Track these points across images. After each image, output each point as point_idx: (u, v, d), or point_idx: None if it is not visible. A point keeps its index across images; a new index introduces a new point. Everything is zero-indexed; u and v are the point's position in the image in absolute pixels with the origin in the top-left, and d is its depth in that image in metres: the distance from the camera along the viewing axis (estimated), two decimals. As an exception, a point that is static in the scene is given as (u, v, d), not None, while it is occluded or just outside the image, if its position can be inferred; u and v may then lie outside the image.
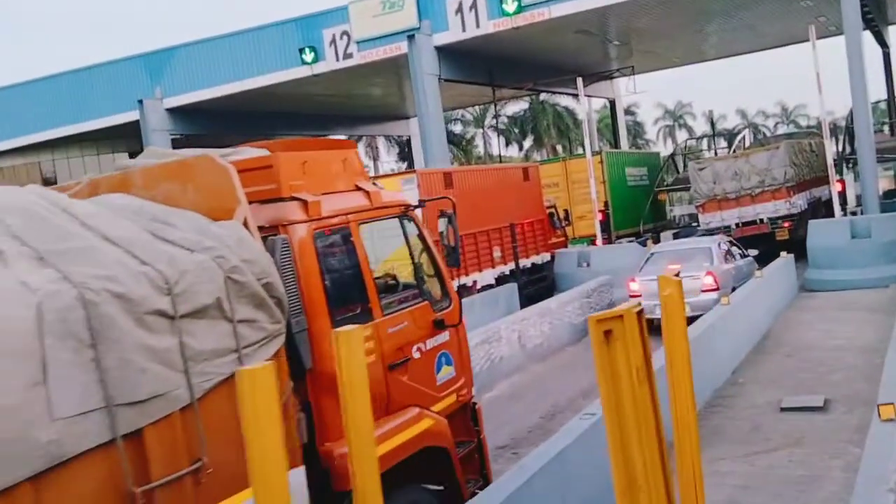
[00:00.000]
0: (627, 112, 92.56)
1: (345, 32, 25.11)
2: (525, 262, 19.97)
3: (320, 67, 25.74)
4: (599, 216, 21.05)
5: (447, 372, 6.13)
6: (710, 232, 21.14)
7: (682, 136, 74.22)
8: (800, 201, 21.07)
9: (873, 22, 28.28)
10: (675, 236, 23.29)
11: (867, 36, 30.94)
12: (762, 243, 19.23)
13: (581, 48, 28.84)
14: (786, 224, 20.22)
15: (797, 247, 17.66)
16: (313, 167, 5.47)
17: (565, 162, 25.39)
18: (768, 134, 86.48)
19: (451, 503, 5.78)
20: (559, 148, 63.86)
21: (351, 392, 3.29)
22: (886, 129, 32.40)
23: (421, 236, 6.15)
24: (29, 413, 3.32)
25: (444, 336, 6.13)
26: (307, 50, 25.49)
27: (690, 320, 11.00)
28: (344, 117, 35.71)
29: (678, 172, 30.81)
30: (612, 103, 37.31)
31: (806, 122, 66.38)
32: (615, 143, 37.38)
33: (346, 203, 5.57)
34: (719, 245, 15.44)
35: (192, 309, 4.04)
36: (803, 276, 17.15)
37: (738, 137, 29.59)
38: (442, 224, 6.43)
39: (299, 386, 4.85)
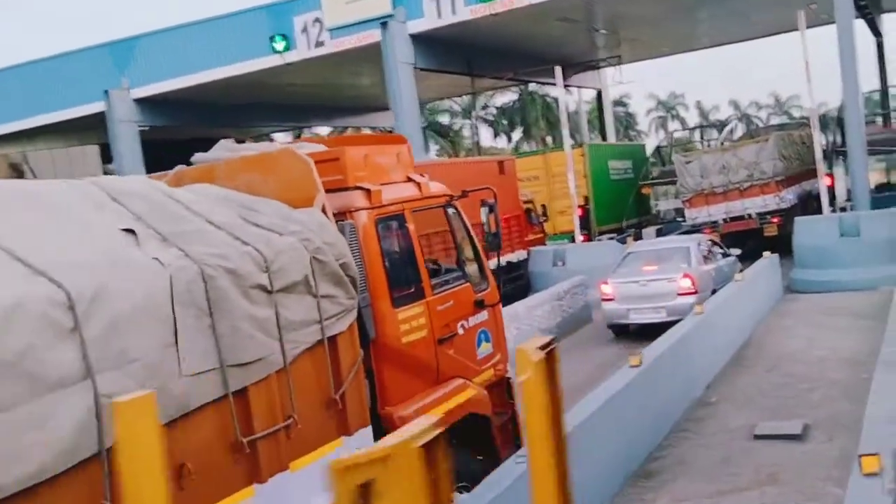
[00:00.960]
0: (618, 103, 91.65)
1: (317, 19, 24.07)
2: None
3: (292, 56, 24.68)
4: (578, 212, 20.08)
5: (486, 348, 6.69)
6: (696, 228, 20.58)
7: (674, 127, 73.35)
8: (789, 196, 20.41)
9: (867, 9, 27.35)
10: (659, 232, 22.42)
11: (860, 24, 30.10)
12: (750, 239, 18.81)
13: (565, 37, 27.83)
14: (774, 219, 19.60)
15: (786, 243, 17.03)
16: (373, 160, 6.03)
17: (545, 155, 24.49)
18: (761, 125, 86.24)
19: (491, 467, 5.97)
20: (549, 140, 62.81)
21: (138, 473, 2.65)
22: (879, 120, 31.51)
23: (463, 223, 6.69)
24: (166, 369, 3.85)
25: (484, 315, 6.68)
26: (277, 38, 24.43)
27: (666, 326, 10.30)
28: (323, 108, 34.62)
29: (664, 165, 29.89)
30: (600, 94, 36.27)
31: (799, 114, 65.45)
32: (603, 136, 36.43)
33: (400, 193, 6.11)
34: (699, 244, 14.52)
35: (285, 284, 4.59)
36: (789, 275, 16.28)
37: (727, 129, 28.55)
38: (483, 213, 6.91)
39: (364, 355, 5.35)
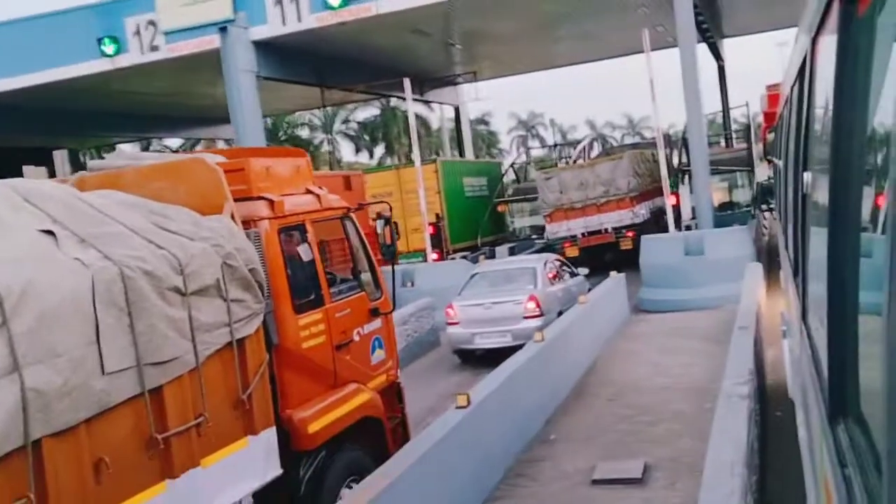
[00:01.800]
0: (480, 121, 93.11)
1: (151, 22, 22.30)
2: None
3: (123, 61, 22.78)
4: (429, 229, 19.30)
5: (379, 354, 6.99)
6: (550, 245, 20.92)
7: (534, 145, 74.74)
8: (642, 211, 20.87)
9: (709, 34, 28.28)
10: (512, 251, 21.98)
11: (703, 49, 31.21)
12: (609, 252, 19.91)
13: (419, 50, 27.24)
14: (629, 233, 20.00)
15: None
16: (275, 171, 6.23)
17: (398, 170, 23.63)
18: (615, 144, 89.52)
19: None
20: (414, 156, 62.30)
21: None
22: (722, 141, 32.74)
23: (358, 235, 6.99)
24: (89, 365, 4.03)
25: (377, 323, 7.00)
26: (107, 41, 22.48)
27: (511, 350, 9.50)
28: (171, 118, 32.29)
29: (519, 183, 29.78)
30: (457, 110, 35.95)
31: (650, 134, 68.29)
32: (461, 152, 36.09)
33: (301, 203, 6.32)
34: (545, 265, 13.97)
35: (198, 287, 4.77)
36: (637, 295, 16.07)
37: (579, 147, 28.70)
38: (379, 225, 7.41)
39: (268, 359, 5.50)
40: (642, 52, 24.31)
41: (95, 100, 26.57)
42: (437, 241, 20.00)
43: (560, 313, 12.22)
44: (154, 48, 22.47)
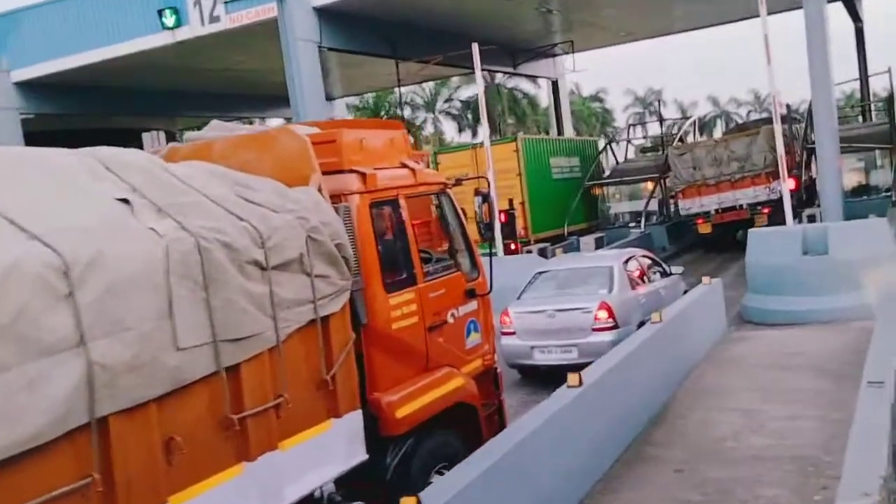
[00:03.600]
0: (595, 98, 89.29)
1: (210, -10, 20.74)
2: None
3: (183, 33, 21.36)
4: (500, 217, 16.83)
5: (475, 338, 6.61)
6: (682, 222, 21.56)
7: (653, 124, 70.52)
8: (779, 187, 18.82)
9: (845, -10, 24.38)
10: (599, 243, 19.27)
11: (838, 7, 27.12)
12: (740, 229, 19.33)
13: (511, 17, 24.64)
14: (765, 210, 19.70)
15: None
16: (368, 144, 5.93)
17: (475, 150, 21.19)
18: (740, 121, 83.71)
19: None
20: (482, 132, 59.52)
21: None
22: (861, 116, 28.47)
23: (455, 212, 6.62)
24: (160, 340, 3.82)
25: (473, 305, 6.59)
26: (168, 12, 21.06)
27: (577, 368, 7.29)
28: (255, 97, 30.85)
29: (617, 162, 26.72)
30: (555, 84, 33.03)
31: (781, 110, 62.66)
32: (559, 129, 33.23)
33: (395, 177, 6.00)
34: (626, 262, 11.44)
35: (280, 261, 4.61)
36: (741, 301, 13.14)
37: (686, 124, 25.79)
38: (476, 202, 6.83)
39: (355, 339, 5.25)
40: (771, 13, 21.27)
41: (174, 77, 25.52)
42: (510, 230, 17.49)
43: (641, 324, 9.85)
44: (215, 19, 20.94)
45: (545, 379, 9.78)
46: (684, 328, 9.60)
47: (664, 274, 12.33)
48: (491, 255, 6.97)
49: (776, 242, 12.66)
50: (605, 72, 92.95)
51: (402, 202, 5.96)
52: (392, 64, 24.78)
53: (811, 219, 15.86)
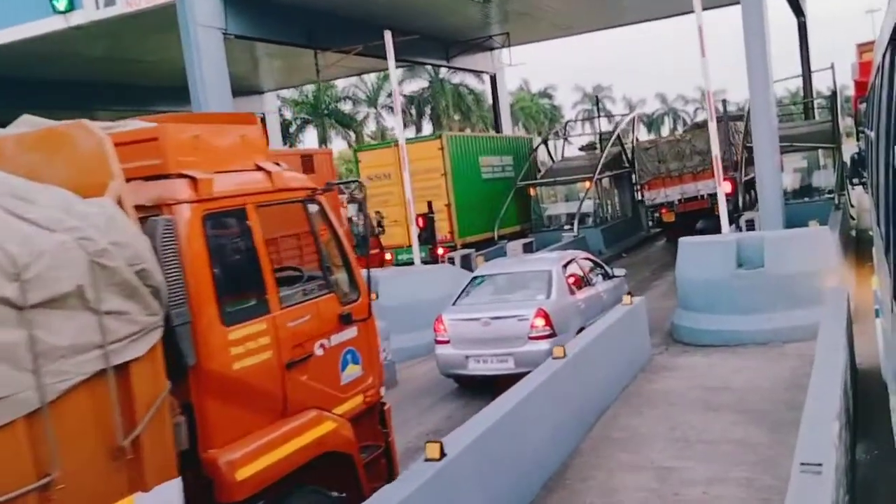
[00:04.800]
0: (544, 94, 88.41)
1: (105, -29, 18.86)
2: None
3: (77, 18, 19.43)
4: (418, 222, 15.32)
5: (354, 371, 5.71)
6: (648, 210, 23.28)
7: (603, 122, 69.77)
8: (748, 172, 19.69)
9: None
10: (528, 248, 17.89)
11: (782, 3, 26.21)
12: (701, 219, 19.95)
13: (442, 6, 23.18)
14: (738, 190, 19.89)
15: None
16: (206, 142, 4.97)
17: (397, 147, 19.64)
18: (688, 120, 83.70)
19: None
20: (468, 131, 58.16)
21: None
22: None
23: (328, 222, 5.70)
24: None
25: (352, 332, 5.68)
26: (58, -6, 19.13)
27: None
28: (155, 90, 28.79)
29: (553, 161, 25.44)
30: (493, 78, 31.65)
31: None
32: (496, 127, 31.87)
33: (243, 183, 5.08)
34: (566, 266, 10.79)
35: (46, 297, 3.69)
36: (671, 318, 11.87)
37: (624, 122, 24.95)
38: (352, 210, 6.62)
39: (179, 385, 4.40)
40: (718, 6, 20.43)
41: (82, 68, 23.55)
42: (429, 235, 16.03)
43: (581, 329, 9.58)
44: (110, 2, 19.03)
45: (482, 389, 9.53)
46: (595, 362, 8.21)
47: (606, 276, 11.83)
48: (368, 267, 6.05)
49: (708, 254, 11.39)
50: (557, 69, 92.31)
51: (251, 213, 4.99)
52: (325, 56, 23.29)
53: (750, 224, 14.67)
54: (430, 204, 16.22)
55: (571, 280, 10.66)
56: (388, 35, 15.03)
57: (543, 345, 9.21)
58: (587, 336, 8.40)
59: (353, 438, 5.45)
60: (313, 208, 5.60)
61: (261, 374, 4.81)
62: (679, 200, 21.62)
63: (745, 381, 8.65)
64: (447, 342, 10.11)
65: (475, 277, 11.41)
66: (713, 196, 19.53)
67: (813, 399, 5.23)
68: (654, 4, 25.75)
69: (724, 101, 22.51)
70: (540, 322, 9.54)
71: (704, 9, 13.64)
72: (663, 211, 22.31)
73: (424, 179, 19.30)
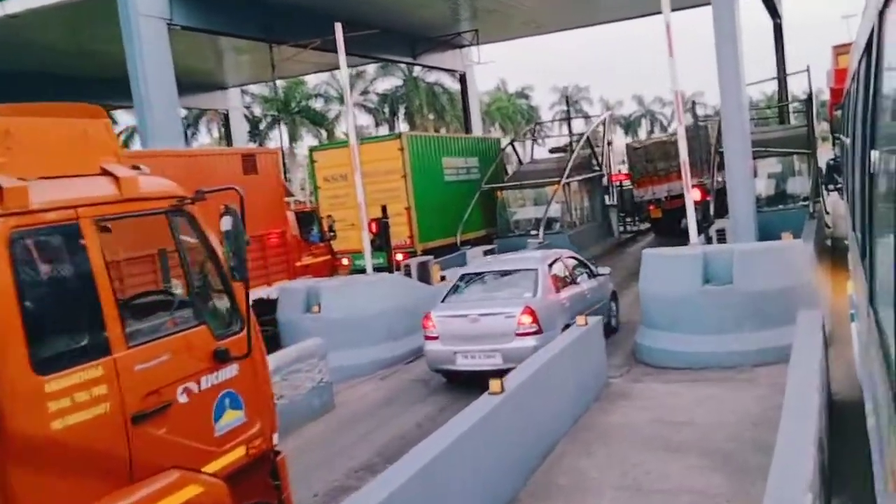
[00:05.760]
0: (521, 95, 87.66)
1: (42, -44, 17.76)
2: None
3: (14, 6, 18.30)
4: (370, 228, 14.34)
5: (233, 417, 4.74)
6: (636, 206, 25.35)
7: (578, 123, 69.05)
8: (720, 178, 18.76)
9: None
10: (488, 254, 16.98)
11: (757, 4, 25.53)
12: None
13: (412, 2, 22.27)
14: (709, 197, 19.58)
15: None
16: (26, 139, 4.06)
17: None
18: (665, 122, 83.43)
19: None
20: (443, 130, 57.20)
21: None
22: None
23: (202, 238, 4.77)
24: None
25: (231, 370, 4.72)
26: (-10, -22, 17.99)
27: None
28: (112, 83, 27.54)
29: (521, 163, 24.58)
30: (462, 77, 30.77)
31: (703, 112, 61.87)
32: (466, 127, 30.96)
33: (76, 191, 4.14)
34: (551, 265, 11.28)
35: None
36: (634, 338, 11.02)
37: (595, 123, 24.40)
38: (225, 223, 4.57)
39: None
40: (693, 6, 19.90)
41: (4, 57, 22.27)
42: (383, 242, 15.07)
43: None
44: (49, -12, 17.93)
45: (469, 384, 9.44)
46: (542, 393, 7.29)
47: (591, 275, 12.23)
48: (247, 292, 4.80)
49: (672, 268, 10.53)
50: (534, 69, 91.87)
51: (87, 229, 4.06)
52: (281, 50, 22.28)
53: (721, 234, 13.86)
54: (384, 208, 15.27)
55: (557, 278, 11.08)
56: (338, 27, 14.02)
57: (530, 341, 9.63)
58: (533, 363, 7.47)
59: (228, 500, 4.54)
60: (180, 221, 4.65)
61: (93, 432, 3.88)
62: (666, 198, 22.89)
63: (709, 414, 7.78)
64: (436, 338, 10.38)
65: (463, 274, 11.78)
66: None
67: (782, 452, 4.39)
68: (626, 4, 25.01)
69: (693, 104, 21.82)
70: (527, 319, 9.90)
71: (677, 9, 12.92)
72: (651, 208, 23.88)
73: (383, 181, 18.38)
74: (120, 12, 16.19)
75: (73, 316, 4.10)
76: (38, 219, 3.88)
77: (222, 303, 4.89)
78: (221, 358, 4.64)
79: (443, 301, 10.94)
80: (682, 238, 11.85)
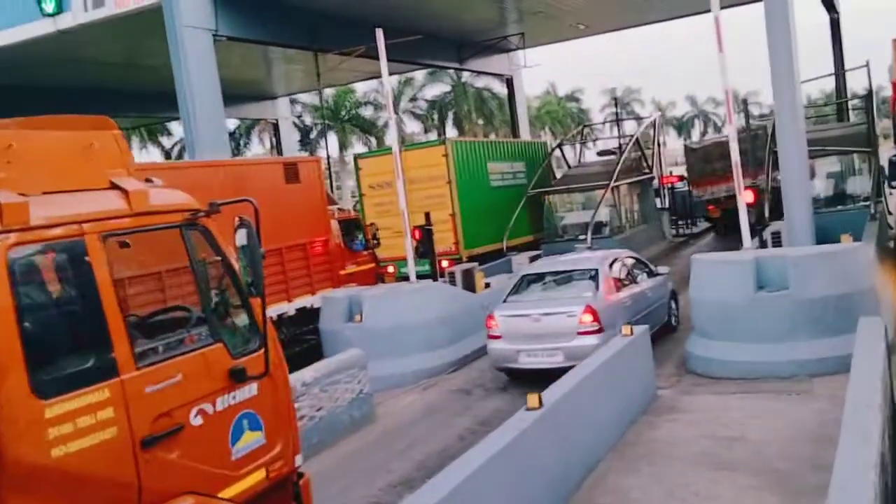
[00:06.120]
0: (571, 98, 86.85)
1: (93, -27, 18.08)
2: (284, 309, 13.25)
3: (66, 21, 18.65)
4: (413, 235, 14.18)
5: (252, 439, 4.56)
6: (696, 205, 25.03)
7: (629, 125, 68.06)
8: (779, 177, 18.15)
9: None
10: (533, 260, 16.67)
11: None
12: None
13: (453, 5, 22.11)
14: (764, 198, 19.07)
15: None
16: (29, 153, 3.91)
17: (401, 153, 18.51)
18: (718, 123, 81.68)
19: None
20: (492, 136, 56.94)
21: None
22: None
23: (217, 252, 4.62)
24: None
25: (250, 390, 4.54)
26: (46, -3, 18.37)
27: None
28: (164, 95, 27.97)
29: (569, 167, 24.19)
30: (510, 81, 30.49)
31: (758, 111, 60.43)
32: (513, 131, 30.68)
33: (81, 206, 3.99)
34: (611, 265, 11.46)
35: None
36: (685, 346, 10.62)
37: (643, 126, 24.09)
38: (239, 237, 4.46)
39: None
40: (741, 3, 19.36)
41: (72, 73, 22.81)
42: (426, 249, 14.89)
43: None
44: (99, 3, 18.24)
45: (531, 380, 9.55)
46: (585, 407, 6.99)
47: (651, 274, 12.35)
48: (264, 305, 4.60)
49: (723, 274, 10.11)
50: (585, 72, 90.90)
51: (93, 245, 3.91)
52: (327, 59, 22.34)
53: (776, 238, 13.31)
54: (427, 215, 15.10)
55: (617, 278, 11.27)
56: (379, 34, 13.90)
57: (591, 339, 9.81)
58: (575, 376, 7.17)
59: None
60: (194, 235, 4.49)
61: (99, 457, 3.72)
62: (725, 197, 22.46)
63: (763, 430, 7.38)
64: (499, 337, 10.65)
65: (524, 275, 12.02)
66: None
67: (840, 474, 4.04)
68: (677, 2, 24.46)
69: (744, 102, 21.16)
70: (588, 318, 10.11)
71: (729, 6, 12.51)
72: (710, 207, 23.92)
73: (428, 188, 18.24)
74: (166, 25, 16.40)
75: (78, 336, 3.97)
76: (39, 235, 3.76)
77: (239, 319, 4.72)
78: (238, 377, 4.46)
79: (504, 301, 11.20)
80: (741, 237, 11.46)
